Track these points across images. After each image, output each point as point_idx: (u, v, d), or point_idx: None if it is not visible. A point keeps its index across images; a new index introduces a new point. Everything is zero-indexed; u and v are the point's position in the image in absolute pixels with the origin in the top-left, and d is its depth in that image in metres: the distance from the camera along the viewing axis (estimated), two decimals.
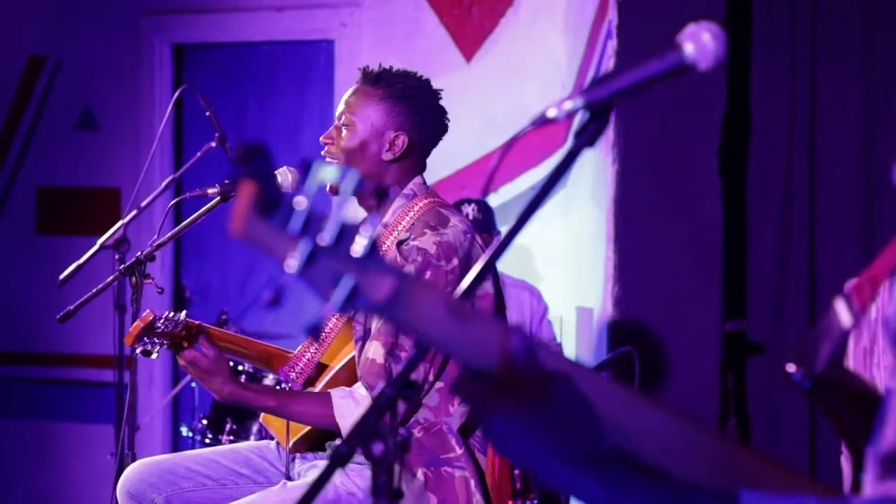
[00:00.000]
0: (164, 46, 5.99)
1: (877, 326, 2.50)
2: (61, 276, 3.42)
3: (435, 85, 3.01)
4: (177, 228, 3.37)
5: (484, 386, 1.18)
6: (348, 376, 2.95)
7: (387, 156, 2.93)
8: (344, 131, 2.95)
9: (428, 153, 3.01)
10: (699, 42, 1.42)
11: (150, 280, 3.33)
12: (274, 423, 3.05)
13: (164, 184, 3.59)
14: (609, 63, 5.06)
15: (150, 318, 2.96)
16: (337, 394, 2.85)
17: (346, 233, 1.14)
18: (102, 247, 3.45)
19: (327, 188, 1.59)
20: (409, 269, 2.76)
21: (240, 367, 4.35)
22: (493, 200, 5.19)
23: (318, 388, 2.98)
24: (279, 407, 2.88)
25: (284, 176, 3.03)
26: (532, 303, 5.02)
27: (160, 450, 5.71)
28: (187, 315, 3.01)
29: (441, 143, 3.03)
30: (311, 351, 3.05)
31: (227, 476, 3.05)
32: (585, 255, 5.26)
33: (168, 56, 5.99)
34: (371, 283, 1.14)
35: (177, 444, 5.81)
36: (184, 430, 4.94)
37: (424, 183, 2.98)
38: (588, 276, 5.22)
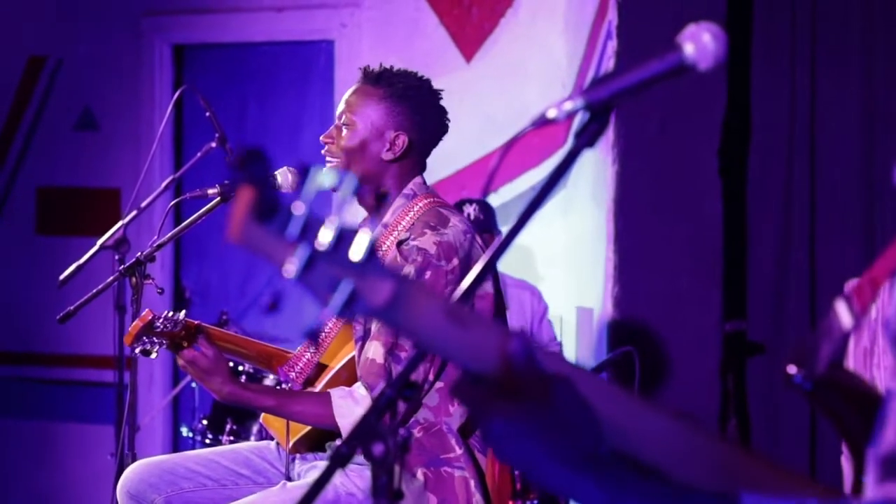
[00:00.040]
0: (164, 47, 5.99)
1: (877, 327, 2.50)
2: (61, 277, 3.42)
3: (435, 85, 3.01)
4: (177, 229, 3.37)
5: (483, 389, 1.18)
6: (348, 376, 2.95)
7: (387, 155, 2.93)
8: (344, 130, 2.94)
9: (428, 153, 3.01)
10: (699, 42, 1.42)
11: (151, 280, 3.33)
12: (274, 424, 3.05)
13: (164, 184, 3.59)
14: (609, 63, 5.06)
15: (150, 317, 2.96)
16: (336, 393, 2.85)
17: (345, 237, 1.14)
18: (102, 247, 3.45)
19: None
20: (409, 269, 2.76)
21: (240, 368, 4.35)
22: (494, 200, 5.19)
23: (318, 388, 2.98)
24: (279, 407, 2.88)
25: (284, 176, 3.03)
26: (532, 302, 5.03)
27: (160, 450, 5.71)
28: (187, 315, 3.01)
29: (441, 144, 3.03)
30: (311, 351, 3.05)
31: (227, 476, 3.05)
32: (585, 255, 5.26)
33: (168, 56, 5.99)
34: (370, 287, 1.14)
35: (177, 444, 5.81)
36: (184, 431, 4.94)
37: (424, 183, 2.98)
38: (588, 276, 5.22)
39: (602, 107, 1.42)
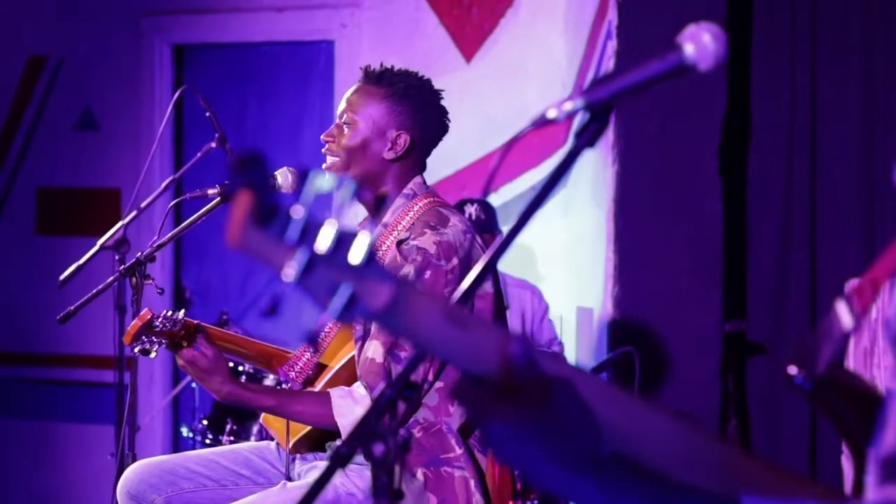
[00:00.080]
0: (165, 47, 5.98)
1: (877, 327, 2.50)
2: (61, 277, 3.42)
3: (435, 85, 3.01)
4: (177, 229, 3.37)
5: (483, 392, 1.18)
6: (348, 376, 2.95)
7: (388, 154, 2.93)
8: (346, 129, 2.94)
9: (429, 153, 3.01)
10: (699, 43, 1.42)
11: (151, 281, 3.33)
12: (274, 424, 3.05)
13: (164, 184, 3.59)
14: (609, 63, 5.06)
15: (148, 316, 2.95)
16: (336, 393, 2.85)
17: (344, 240, 1.14)
18: (102, 247, 3.45)
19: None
20: (409, 268, 2.75)
21: (240, 368, 4.35)
22: (494, 201, 5.18)
23: (318, 387, 2.98)
24: (278, 406, 2.88)
25: (284, 176, 3.03)
26: (533, 302, 5.03)
27: (160, 450, 5.71)
28: (186, 315, 3.01)
29: (441, 144, 3.03)
30: (311, 351, 3.04)
31: (227, 477, 3.05)
32: (585, 255, 5.26)
33: (168, 56, 5.99)
34: (369, 291, 1.14)
35: (177, 444, 5.81)
36: (184, 431, 4.93)
37: (424, 183, 2.98)
38: (588, 276, 5.22)
39: (602, 107, 1.42)
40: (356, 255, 1.13)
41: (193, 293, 5.88)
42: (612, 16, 5.03)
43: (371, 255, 1.14)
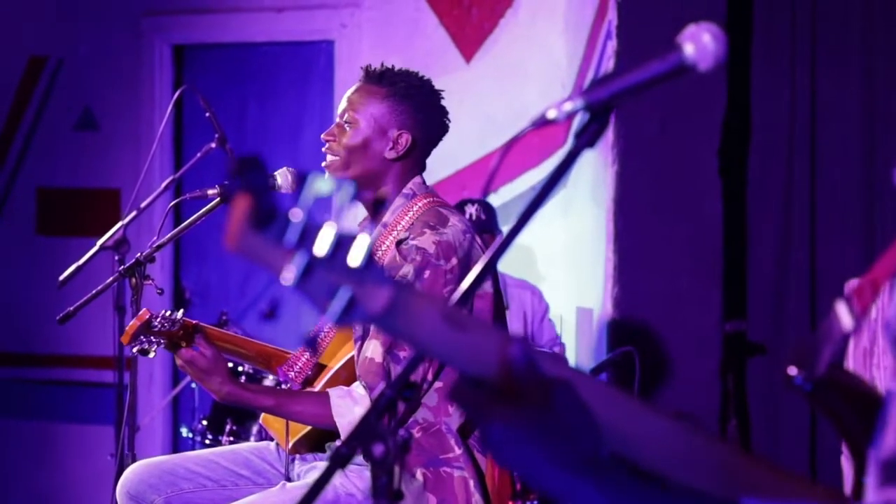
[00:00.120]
0: (164, 47, 5.98)
1: (877, 327, 2.50)
2: (61, 277, 3.42)
3: (435, 85, 3.01)
4: (177, 229, 3.36)
5: (482, 394, 1.17)
6: (347, 376, 2.95)
7: (390, 154, 2.93)
8: (347, 129, 2.94)
9: (429, 153, 3.00)
10: (699, 43, 1.42)
11: (150, 281, 3.33)
12: (274, 425, 3.05)
13: (163, 185, 3.59)
14: (609, 63, 5.06)
15: (147, 316, 2.95)
16: (335, 393, 2.85)
17: (343, 243, 1.13)
18: (102, 248, 3.45)
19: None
20: (408, 268, 2.75)
21: (239, 368, 4.35)
22: (494, 201, 5.18)
23: (318, 387, 2.98)
24: (278, 406, 2.88)
25: (284, 176, 3.03)
26: (533, 302, 5.03)
27: (160, 451, 5.71)
28: (186, 315, 3.00)
29: (441, 144, 3.02)
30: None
31: (226, 477, 3.05)
32: (585, 255, 5.26)
33: (168, 56, 5.99)
34: (368, 294, 1.14)
35: (177, 444, 5.81)
36: (184, 431, 4.94)
37: (424, 183, 2.98)
38: (588, 276, 5.22)
39: (602, 107, 1.42)
40: (355, 257, 1.13)
41: (193, 294, 5.88)
42: (612, 16, 5.03)
43: (370, 257, 1.14)
